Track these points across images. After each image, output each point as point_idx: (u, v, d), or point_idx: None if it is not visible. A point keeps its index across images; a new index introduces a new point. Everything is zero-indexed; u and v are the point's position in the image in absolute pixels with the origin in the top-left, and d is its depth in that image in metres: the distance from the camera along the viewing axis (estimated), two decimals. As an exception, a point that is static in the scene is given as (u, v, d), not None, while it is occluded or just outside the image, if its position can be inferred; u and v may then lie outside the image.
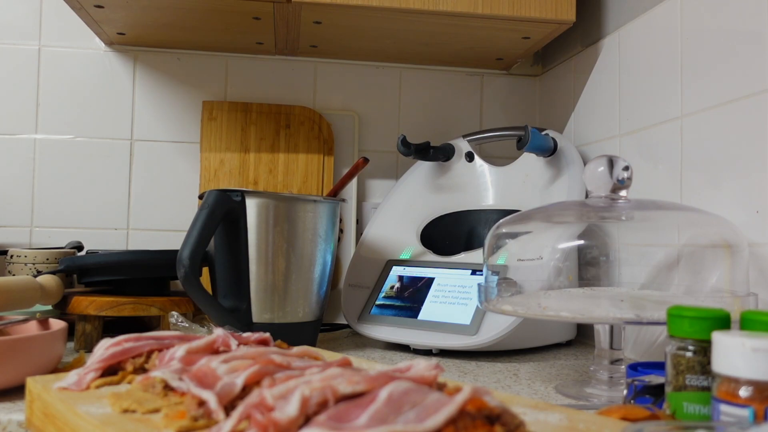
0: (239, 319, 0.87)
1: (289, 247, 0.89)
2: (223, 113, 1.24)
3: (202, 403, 0.43)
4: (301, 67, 1.29)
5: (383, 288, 1.02)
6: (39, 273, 0.96)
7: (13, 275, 1.01)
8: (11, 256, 1.04)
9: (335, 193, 1.04)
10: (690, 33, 0.87)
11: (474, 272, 0.97)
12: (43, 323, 0.76)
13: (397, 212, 1.15)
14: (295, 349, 0.55)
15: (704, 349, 0.49)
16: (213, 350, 0.54)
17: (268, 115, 1.24)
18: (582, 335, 1.09)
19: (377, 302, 1.01)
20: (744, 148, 0.77)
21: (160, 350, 0.56)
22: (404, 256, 1.06)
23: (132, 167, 1.24)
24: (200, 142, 1.23)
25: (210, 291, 0.90)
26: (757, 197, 0.75)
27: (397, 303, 0.99)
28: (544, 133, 1.06)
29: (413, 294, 0.99)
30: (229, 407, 0.43)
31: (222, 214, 0.86)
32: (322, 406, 0.38)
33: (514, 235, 0.82)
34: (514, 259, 0.85)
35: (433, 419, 0.36)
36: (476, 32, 1.10)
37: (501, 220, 0.81)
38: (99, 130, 1.24)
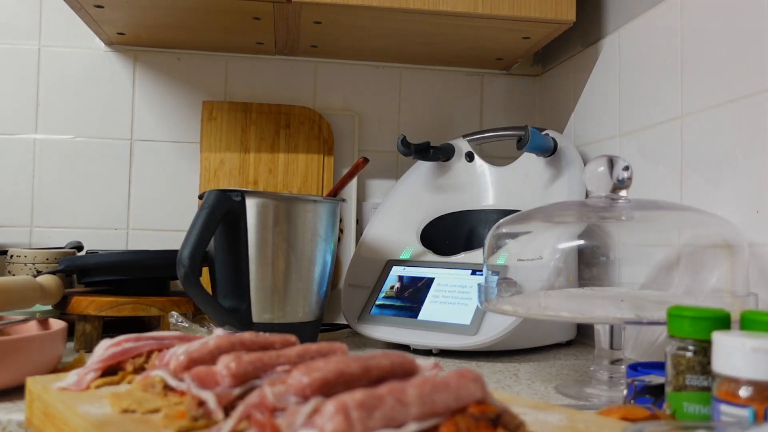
0: (239, 319, 0.87)
1: (289, 247, 0.89)
2: (223, 113, 1.24)
3: (202, 403, 0.43)
4: (301, 67, 1.29)
5: (383, 288, 1.02)
6: (39, 273, 0.96)
7: (13, 275, 1.01)
8: (11, 256, 1.04)
9: (335, 193, 1.04)
10: (690, 33, 0.87)
11: (474, 272, 0.97)
12: (43, 323, 0.76)
13: (397, 212, 1.15)
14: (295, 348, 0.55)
15: (704, 349, 0.49)
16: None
17: (268, 115, 1.24)
18: (582, 335, 1.09)
19: (377, 302, 1.01)
20: (744, 148, 0.77)
21: (160, 350, 0.56)
22: (404, 256, 1.06)
23: (132, 167, 1.24)
24: (200, 142, 1.23)
25: (210, 291, 0.90)
26: (757, 197, 0.75)
27: (397, 303, 0.99)
28: (544, 133, 1.06)
29: (413, 294, 0.99)
30: (228, 407, 0.43)
31: (222, 214, 0.86)
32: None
33: (514, 235, 0.82)
34: (514, 259, 0.85)
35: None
36: (476, 32, 1.10)
37: (501, 220, 0.81)
38: (99, 130, 1.24)
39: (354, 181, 1.23)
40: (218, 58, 1.27)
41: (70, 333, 0.91)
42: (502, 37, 1.13)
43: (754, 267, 0.75)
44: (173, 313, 0.78)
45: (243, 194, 0.88)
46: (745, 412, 0.42)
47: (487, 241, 0.80)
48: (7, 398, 0.64)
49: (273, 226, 0.89)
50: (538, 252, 0.82)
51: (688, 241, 0.82)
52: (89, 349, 0.90)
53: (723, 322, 0.49)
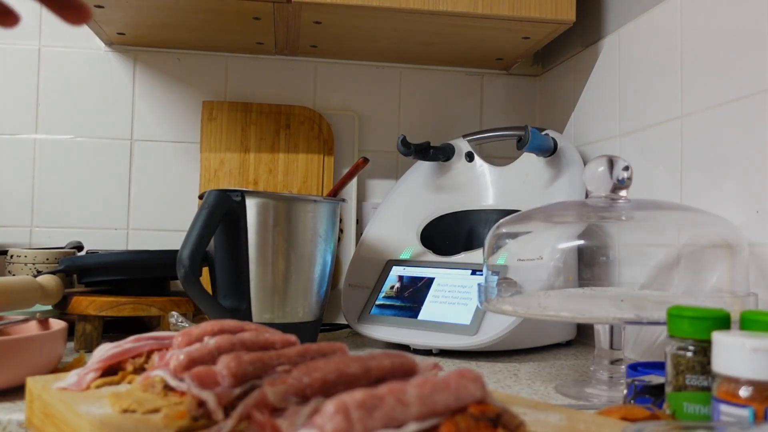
0: (239, 319, 0.87)
1: (289, 247, 0.89)
2: (223, 113, 1.24)
3: (202, 403, 0.43)
4: (301, 67, 1.29)
5: (383, 288, 1.02)
6: (39, 273, 0.96)
7: (13, 275, 1.01)
8: (11, 256, 1.04)
9: (335, 193, 1.04)
10: (690, 33, 0.87)
11: (474, 272, 0.97)
12: (43, 323, 0.76)
13: (397, 212, 1.15)
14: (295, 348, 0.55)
15: (704, 349, 0.49)
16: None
17: (268, 115, 1.24)
18: (582, 335, 1.09)
19: (377, 302, 1.01)
20: (744, 148, 0.77)
21: (160, 350, 0.56)
22: (404, 256, 1.06)
23: (132, 167, 1.24)
24: (200, 142, 1.23)
25: (210, 291, 0.90)
26: (757, 197, 0.75)
27: (397, 303, 0.99)
28: (544, 133, 1.06)
29: (413, 294, 0.99)
30: (228, 407, 0.43)
31: (222, 214, 0.86)
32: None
33: (514, 235, 0.82)
34: (514, 259, 0.85)
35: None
36: (476, 32, 1.10)
37: (501, 220, 0.81)
38: (99, 130, 1.24)
39: (354, 181, 1.23)
40: (218, 58, 1.27)
41: (70, 333, 0.91)
42: (502, 37, 1.13)
43: (754, 267, 0.75)
44: (173, 313, 0.78)
45: (243, 194, 0.88)
46: (745, 412, 0.42)
47: (487, 241, 0.80)
48: (7, 398, 0.64)
49: (273, 226, 0.89)
50: (538, 252, 0.82)
51: (688, 241, 0.82)
52: (89, 349, 0.90)
53: (723, 322, 0.49)
